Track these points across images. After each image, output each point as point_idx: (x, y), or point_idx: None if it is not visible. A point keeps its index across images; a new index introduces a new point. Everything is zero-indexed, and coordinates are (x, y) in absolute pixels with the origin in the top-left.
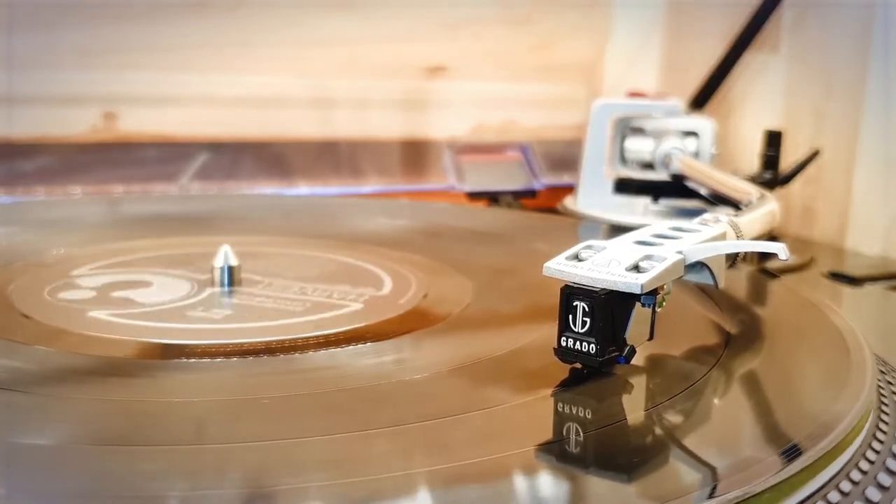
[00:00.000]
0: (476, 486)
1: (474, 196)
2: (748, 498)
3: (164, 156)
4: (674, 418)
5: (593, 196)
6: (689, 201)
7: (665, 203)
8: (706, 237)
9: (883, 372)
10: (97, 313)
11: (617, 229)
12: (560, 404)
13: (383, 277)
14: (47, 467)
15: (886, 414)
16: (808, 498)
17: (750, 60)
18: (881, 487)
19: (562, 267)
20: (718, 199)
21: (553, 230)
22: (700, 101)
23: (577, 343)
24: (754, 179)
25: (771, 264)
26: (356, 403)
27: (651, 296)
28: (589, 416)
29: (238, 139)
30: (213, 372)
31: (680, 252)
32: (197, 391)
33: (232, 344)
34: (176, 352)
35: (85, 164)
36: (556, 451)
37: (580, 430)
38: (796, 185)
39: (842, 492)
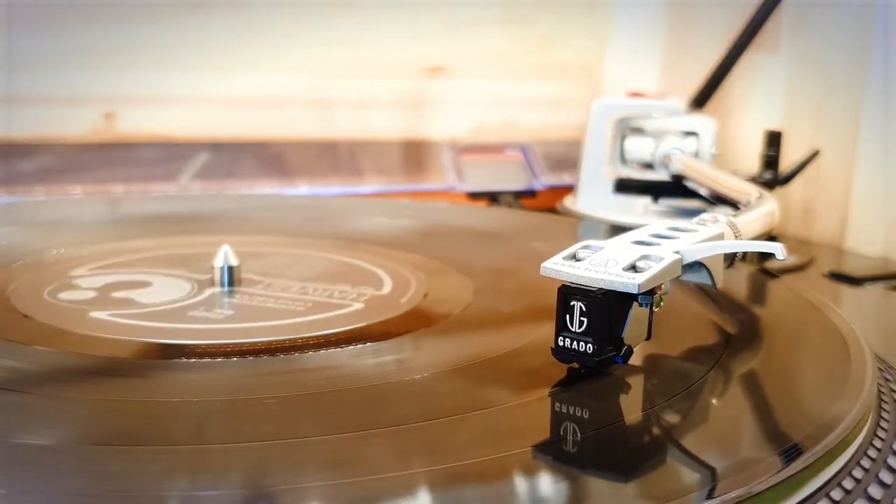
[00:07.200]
0: (474, 486)
1: (474, 196)
2: (747, 498)
3: (164, 156)
4: (673, 418)
5: (593, 196)
6: (689, 201)
7: (665, 203)
8: (704, 237)
9: (886, 376)
10: (97, 313)
11: (617, 229)
12: (558, 404)
13: (383, 277)
14: (47, 467)
15: (887, 412)
16: (808, 498)
17: (750, 60)
18: (883, 485)
19: (559, 267)
20: (718, 200)
21: (553, 230)
22: (700, 101)
23: (575, 343)
24: (754, 179)
25: (771, 264)
26: (356, 403)
27: (648, 295)
28: (587, 417)
29: (238, 139)
30: (213, 372)
31: (677, 252)
32: (197, 391)
33: (232, 344)
34: (176, 352)
35: (85, 164)
36: (553, 452)
37: (578, 431)
38: (796, 185)
39: (844, 489)
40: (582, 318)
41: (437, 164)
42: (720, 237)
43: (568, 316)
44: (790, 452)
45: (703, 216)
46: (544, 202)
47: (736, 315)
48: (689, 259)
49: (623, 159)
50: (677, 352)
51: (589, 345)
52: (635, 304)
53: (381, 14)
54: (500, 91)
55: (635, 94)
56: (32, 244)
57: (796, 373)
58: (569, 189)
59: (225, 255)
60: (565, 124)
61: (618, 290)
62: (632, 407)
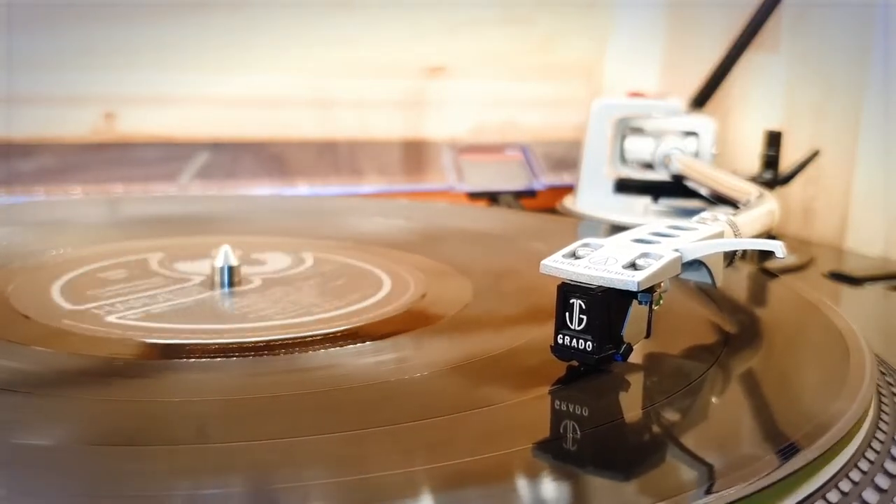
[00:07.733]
0: (474, 485)
1: (474, 196)
2: (746, 496)
3: (164, 156)
4: (672, 416)
5: (593, 196)
6: (689, 201)
7: (665, 203)
8: (704, 235)
9: (883, 372)
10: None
11: (617, 229)
12: (557, 402)
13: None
14: (47, 467)
15: (886, 413)
16: (808, 497)
17: (750, 60)
18: (880, 488)
19: (559, 264)
20: (718, 199)
21: (553, 230)
22: (700, 101)
23: (574, 340)
24: (754, 179)
25: (771, 264)
26: (356, 403)
27: (648, 293)
28: (586, 414)
29: (238, 139)
30: (213, 372)
31: (677, 250)
32: (197, 391)
33: (232, 344)
34: (176, 352)
35: (85, 164)
36: (553, 450)
37: (577, 428)
38: (796, 185)
39: (841, 491)
40: (581, 316)
41: (437, 164)
42: (720, 235)
43: (567, 313)
44: (788, 450)
45: (703, 215)
46: (544, 202)
47: (735, 314)
48: (689, 257)
49: (623, 159)
50: (677, 350)
51: (588, 342)
52: (635, 302)
53: (381, 14)
54: (500, 91)
55: (635, 94)
56: (32, 244)
57: (795, 372)
58: (569, 189)
59: (225, 255)
60: (565, 124)
61: (617, 287)
62: (631, 405)
